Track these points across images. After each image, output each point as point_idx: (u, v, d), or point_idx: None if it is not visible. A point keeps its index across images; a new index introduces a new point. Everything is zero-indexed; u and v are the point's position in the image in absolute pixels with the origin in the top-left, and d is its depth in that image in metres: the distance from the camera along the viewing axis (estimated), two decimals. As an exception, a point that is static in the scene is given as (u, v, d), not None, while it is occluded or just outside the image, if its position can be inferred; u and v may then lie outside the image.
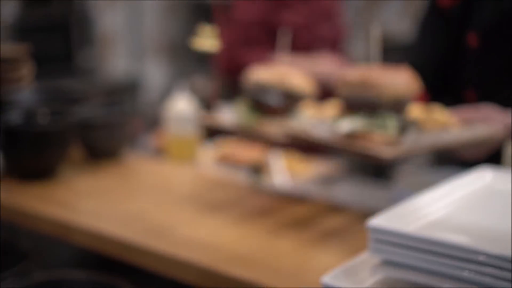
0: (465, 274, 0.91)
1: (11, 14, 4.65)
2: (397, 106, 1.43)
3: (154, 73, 5.73)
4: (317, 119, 1.57)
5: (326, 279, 1.02)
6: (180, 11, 5.72)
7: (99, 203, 1.64)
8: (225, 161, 2.05)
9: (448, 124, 1.55)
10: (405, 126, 1.42)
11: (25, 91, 2.14)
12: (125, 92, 4.91)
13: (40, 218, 1.58)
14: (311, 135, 1.46)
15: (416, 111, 1.55)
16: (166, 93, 5.29)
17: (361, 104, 1.43)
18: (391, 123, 1.40)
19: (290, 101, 1.58)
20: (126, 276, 1.38)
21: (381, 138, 1.39)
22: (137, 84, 5.27)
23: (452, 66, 1.92)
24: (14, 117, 1.86)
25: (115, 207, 1.58)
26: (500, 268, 0.89)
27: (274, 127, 1.54)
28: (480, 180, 1.21)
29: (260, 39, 2.74)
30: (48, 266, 1.60)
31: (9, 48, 2.26)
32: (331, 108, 1.60)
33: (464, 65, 1.86)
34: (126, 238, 1.41)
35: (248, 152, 2.08)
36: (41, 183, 1.77)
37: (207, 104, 2.31)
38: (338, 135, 1.42)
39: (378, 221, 1.00)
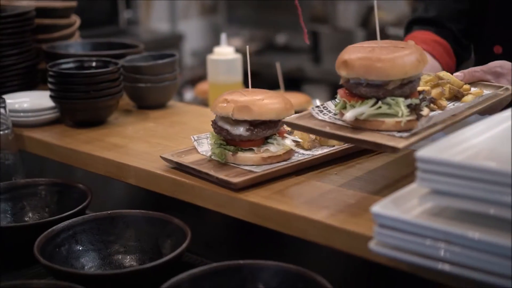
0: (509, 199, 0.95)
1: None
2: (406, 86, 1.32)
3: (192, 30, 5.77)
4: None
5: (376, 208, 1.07)
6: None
7: (149, 146, 1.70)
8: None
9: (461, 89, 1.53)
10: (416, 107, 1.32)
11: (76, 43, 2.22)
12: (169, 47, 4.97)
13: (95, 160, 1.66)
14: (315, 129, 1.36)
15: (426, 83, 1.49)
16: (204, 49, 5.35)
17: (366, 88, 1.31)
18: (401, 107, 1.30)
19: (261, 129, 1.45)
20: (177, 213, 1.44)
21: (392, 124, 1.30)
22: (179, 39, 5.32)
23: (478, 21, 1.96)
24: (67, 65, 1.93)
25: (164, 149, 1.64)
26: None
27: (249, 158, 1.44)
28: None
29: None
30: (104, 205, 1.68)
31: (59, 3, 2.33)
32: None
33: (489, 16, 1.91)
34: (176, 177, 1.48)
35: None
36: (93, 129, 1.84)
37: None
38: (344, 124, 1.34)
39: (425, 152, 1.04)
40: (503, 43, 1.90)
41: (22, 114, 1.88)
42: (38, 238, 1.36)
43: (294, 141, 1.52)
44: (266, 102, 1.45)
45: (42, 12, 2.18)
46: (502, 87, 1.56)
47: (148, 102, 2.04)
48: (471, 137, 1.12)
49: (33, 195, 1.66)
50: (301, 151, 1.53)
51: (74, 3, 2.29)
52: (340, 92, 1.38)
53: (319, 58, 5.03)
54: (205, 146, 1.55)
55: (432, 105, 1.44)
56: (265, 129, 1.46)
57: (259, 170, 1.42)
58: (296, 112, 1.61)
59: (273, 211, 1.30)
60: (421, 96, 1.36)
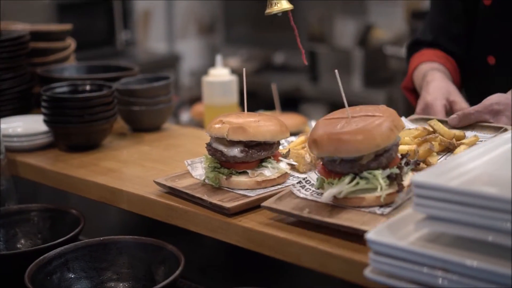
0: (508, 226, 0.93)
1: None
2: (381, 157, 1.23)
3: (189, 50, 5.78)
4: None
5: (371, 234, 1.04)
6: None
7: (143, 170, 1.68)
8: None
9: (454, 139, 1.46)
10: (397, 177, 1.24)
11: (70, 66, 2.21)
12: (166, 67, 4.97)
13: (88, 185, 1.63)
14: (294, 213, 1.26)
15: (414, 139, 1.41)
16: (201, 69, 5.35)
17: (340, 165, 1.24)
18: (379, 180, 1.22)
19: (256, 150, 1.43)
20: (171, 238, 1.42)
21: (373, 200, 1.22)
22: (177, 59, 5.33)
23: (471, 33, 1.92)
24: (61, 89, 1.91)
25: (158, 173, 1.62)
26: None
27: (243, 183, 1.41)
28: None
29: None
30: (98, 230, 1.66)
31: (54, 26, 2.33)
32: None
33: (480, 27, 1.88)
34: (169, 202, 1.45)
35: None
36: (87, 153, 1.82)
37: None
38: (323, 204, 1.27)
39: (421, 176, 1.02)
40: (496, 53, 1.86)
41: (15, 139, 1.87)
42: (29, 266, 1.34)
43: (289, 164, 1.51)
44: (262, 124, 1.44)
45: (37, 35, 2.17)
46: (501, 128, 1.50)
47: (143, 125, 2.02)
48: (468, 161, 1.10)
49: (25, 221, 1.64)
50: (296, 174, 1.51)
51: (69, 26, 2.28)
52: (319, 169, 1.31)
53: (317, 77, 5.02)
54: (199, 170, 1.53)
55: (421, 164, 1.37)
56: (260, 151, 1.44)
57: (253, 194, 1.40)
58: (291, 134, 1.60)
59: (267, 236, 1.28)
60: (404, 161, 1.28)
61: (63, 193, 1.77)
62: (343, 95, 1.32)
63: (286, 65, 5.34)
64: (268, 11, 1.50)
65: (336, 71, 1.33)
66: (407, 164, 1.29)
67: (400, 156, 1.30)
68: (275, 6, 1.49)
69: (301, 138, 1.65)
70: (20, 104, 2.06)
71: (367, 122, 1.24)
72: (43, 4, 4.54)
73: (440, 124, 1.49)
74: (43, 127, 1.87)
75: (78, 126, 1.81)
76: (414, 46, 2.04)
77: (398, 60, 4.47)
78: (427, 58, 1.93)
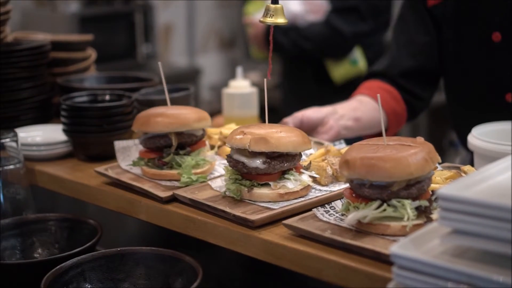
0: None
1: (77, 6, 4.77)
2: (413, 187, 1.21)
3: (210, 64, 5.79)
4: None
5: (395, 248, 1.02)
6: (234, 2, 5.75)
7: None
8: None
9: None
10: (426, 209, 1.22)
11: (90, 76, 2.20)
12: (187, 81, 4.98)
13: (106, 195, 1.62)
14: (315, 233, 1.24)
15: (446, 180, 1.38)
16: (221, 83, 5.36)
17: (369, 189, 1.22)
18: (407, 209, 1.20)
19: (278, 161, 1.41)
20: (189, 250, 1.40)
21: (398, 229, 1.20)
22: (197, 73, 5.33)
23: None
24: (80, 99, 1.91)
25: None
26: None
27: (265, 195, 1.40)
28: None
29: None
30: (116, 241, 1.64)
31: (74, 37, 2.33)
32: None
33: (488, 62, 1.88)
34: (188, 213, 1.44)
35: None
36: (106, 163, 1.80)
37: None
38: (349, 227, 1.25)
39: (447, 189, 0.99)
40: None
41: (34, 148, 1.86)
42: (45, 276, 1.32)
43: (311, 176, 1.48)
44: (284, 135, 1.41)
45: (58, 45, 2.17)
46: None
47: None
48: (496, 174, 1.07)
49: (43, 230, 1.63)
50: (318, 187, 1.49)
51: (89, 37, 2.28)
52: (345, 192, 1.29)
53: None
54: (218, 181, 1.52)
55: None
56: (282, 162, 1.42)
57: (277, 207, 1.38)
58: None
59: (287, 250, 1.25)
60: (434, 197, 1.25)
61: (81, 203, 1.75)
62: (382, 121, 1.30)
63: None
64: (261, 19, 1.49)
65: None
66: (436, 200, 1.24)
67: (431, 192, 1.27)
68: (269, 17, 1.48)
69: (321, 150, 1.62)
70: (39, 114, 2.06)
71: (403, 150, 1.21)
72: (66, 16, 4.58)
73: (474, 168, 1.46)
74: (62, 137, 1.86)
75: (97, 136, 1.80)
76: (368, 76, 2.12)
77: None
78: (360, 91, 2.06)
